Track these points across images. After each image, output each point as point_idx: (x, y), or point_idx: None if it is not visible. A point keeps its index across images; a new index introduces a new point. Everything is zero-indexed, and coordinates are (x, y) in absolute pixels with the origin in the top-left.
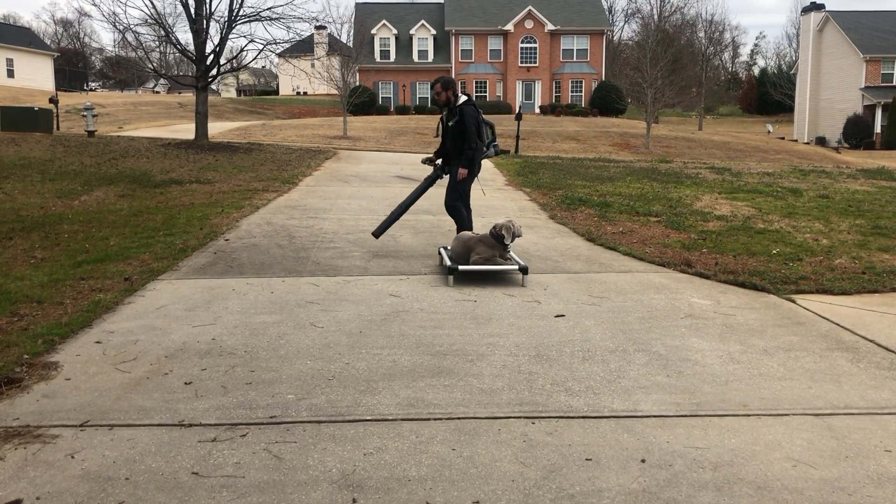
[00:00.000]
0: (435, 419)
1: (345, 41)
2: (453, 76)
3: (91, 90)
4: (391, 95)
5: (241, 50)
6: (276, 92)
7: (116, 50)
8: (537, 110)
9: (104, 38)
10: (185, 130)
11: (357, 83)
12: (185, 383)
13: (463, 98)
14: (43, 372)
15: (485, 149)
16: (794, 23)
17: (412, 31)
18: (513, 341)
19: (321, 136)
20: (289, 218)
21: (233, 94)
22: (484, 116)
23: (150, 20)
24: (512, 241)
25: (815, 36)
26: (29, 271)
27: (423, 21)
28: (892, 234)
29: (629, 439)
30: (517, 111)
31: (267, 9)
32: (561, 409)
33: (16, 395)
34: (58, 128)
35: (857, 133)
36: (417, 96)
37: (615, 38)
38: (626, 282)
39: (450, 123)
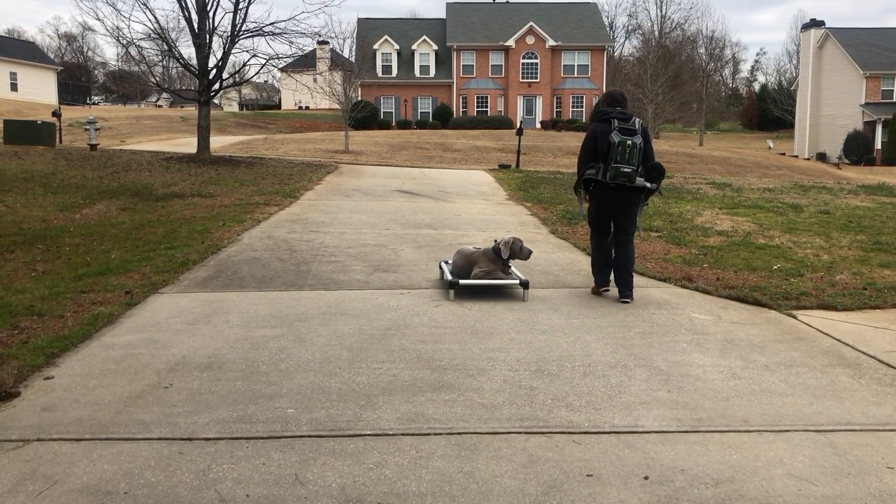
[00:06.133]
0: (435, 434)
1: (347, 56)
2: (454, 91)
3: (94, 104)
4: (393, 110)
5: (244, 64)
6: (279, 106)
7: (119, 64)
8: (538, 125)
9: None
10: (188, 144)
11: (359, 98)
12: (186, 397)
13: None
14: (43, 385)
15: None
16: (795, 39)
17: (414, 47)
18: (513, 356)
19: (323, 151)
20: (290, 232)
21: (235, 108)
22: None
23: (153, 35)
24: (509, 257)
25: (815, 52)
26: (30, 284)
27: (424, 37)
28: (893, 250)
29: (630, 455)
30: (518, 126)
31: (270, 24)
32: (562, 424)
33: (15, 408)
34: (60, 141)
35: (857, 149)
36: (419, 111)
37: (616, 54)
38: None
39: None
